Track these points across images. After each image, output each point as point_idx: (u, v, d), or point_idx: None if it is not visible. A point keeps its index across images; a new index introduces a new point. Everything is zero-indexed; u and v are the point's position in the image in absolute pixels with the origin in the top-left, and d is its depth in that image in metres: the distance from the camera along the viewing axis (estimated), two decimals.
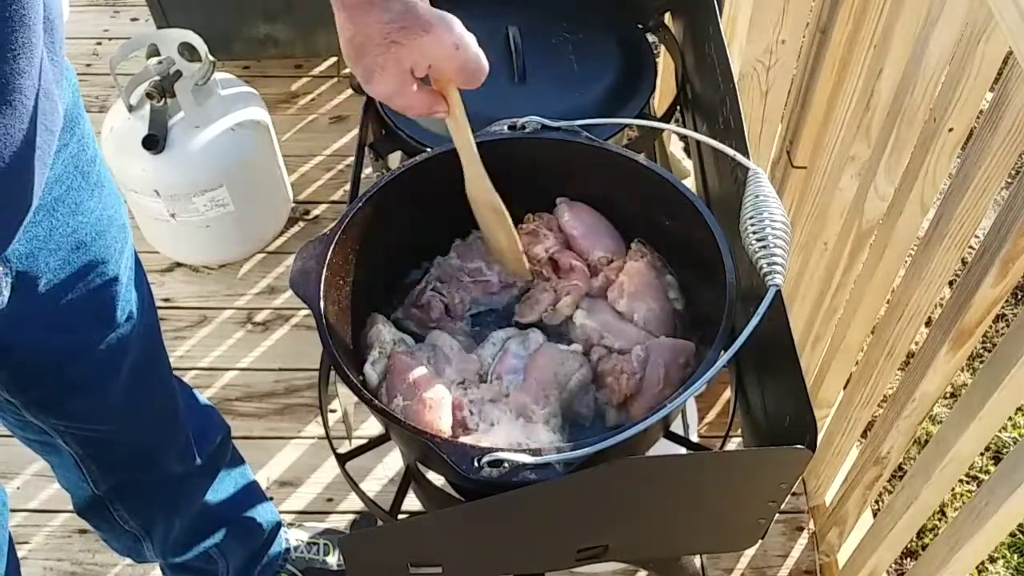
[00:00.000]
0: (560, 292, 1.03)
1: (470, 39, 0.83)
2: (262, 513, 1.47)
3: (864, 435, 1.47)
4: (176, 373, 1.24)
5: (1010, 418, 1.82)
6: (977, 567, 1.69)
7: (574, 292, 1.02)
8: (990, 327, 1.21)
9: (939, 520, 1.78)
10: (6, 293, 0.83)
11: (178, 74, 1.81)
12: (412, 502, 1.08)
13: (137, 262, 1.07)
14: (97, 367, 1.02)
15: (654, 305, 1.00)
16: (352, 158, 1.22)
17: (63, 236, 0.89)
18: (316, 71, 2.54)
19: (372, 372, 0.94)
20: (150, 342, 1.12)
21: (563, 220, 1.07)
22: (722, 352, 0.83)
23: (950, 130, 1.07)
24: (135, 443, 1.16)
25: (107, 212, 0.96)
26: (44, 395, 1.01)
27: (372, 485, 1.76)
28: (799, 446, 0.77)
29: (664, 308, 1.01)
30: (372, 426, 1.73)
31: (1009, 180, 1.67)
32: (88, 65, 2.58)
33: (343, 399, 1.22)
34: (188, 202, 1.91)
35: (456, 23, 0.82)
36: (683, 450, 1.04)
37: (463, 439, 0.89)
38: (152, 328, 1.12)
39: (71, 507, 1.28)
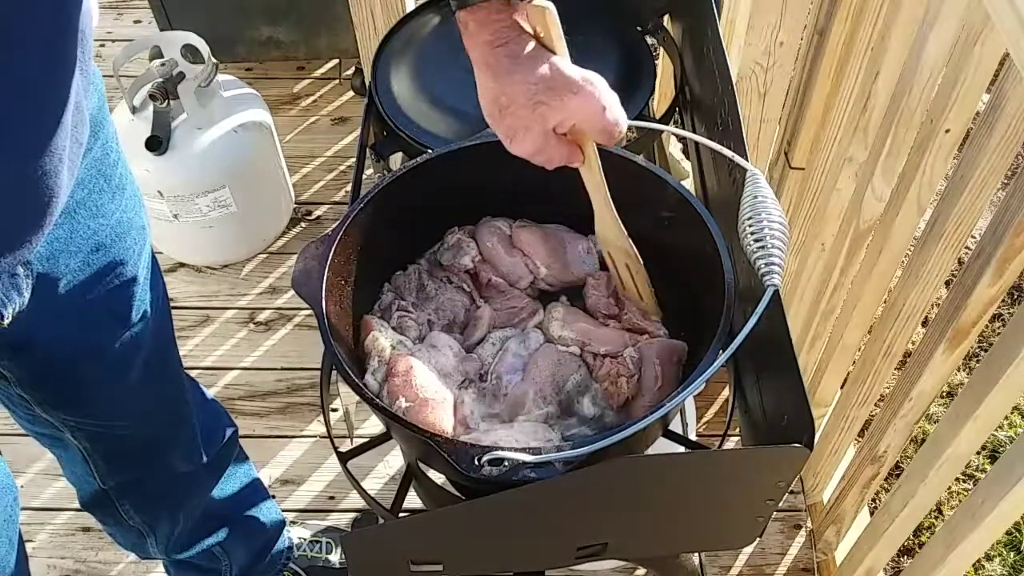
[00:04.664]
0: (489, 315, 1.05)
1: (614, 100, 0.81)
2: (266, 511, 1.48)
3: (861, 434, 1.48)
4: None
5: (1006, 417, 1.83)
6: (974, 565, 1.70)
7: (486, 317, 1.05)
8: (986, 327, 1.21)
9: (936, 518, 1.79)
10: (27, 295, 0.84)
11: (181, 76, 1.82)
12: (413, 500, 1.09)
13: (154, 261, 1.08)
14: (110, 365, 1.03)
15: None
16: (354, 159, 1.23)
17: (84, 238, 0.90)
18: (318, 73, 2.54)
19: (373, 381, 0.94)
20: (163, 341, 1.13)
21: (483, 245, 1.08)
22: (720, 351, 0.84)
23: (947, 131, 1.08)
24: (144, 440, 1.17)
25: (127, 215, 0.97)
26: (57, 392, 1.02)
27: (373, 483, 1.77)
28: (797, 445, 0.78)
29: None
30: (373, 425, 1.74)
31: (1005, 181, 1.68)
32: None
33: (345, 398, 1.23)
34: (191, 203, 1.92)
35: (602, 83, 0.80)
36: (682, 449, 1.05)
37: (464, 438, 0.90)
38: (165, 326, 1.13)
39: (75, 505, 1.29)
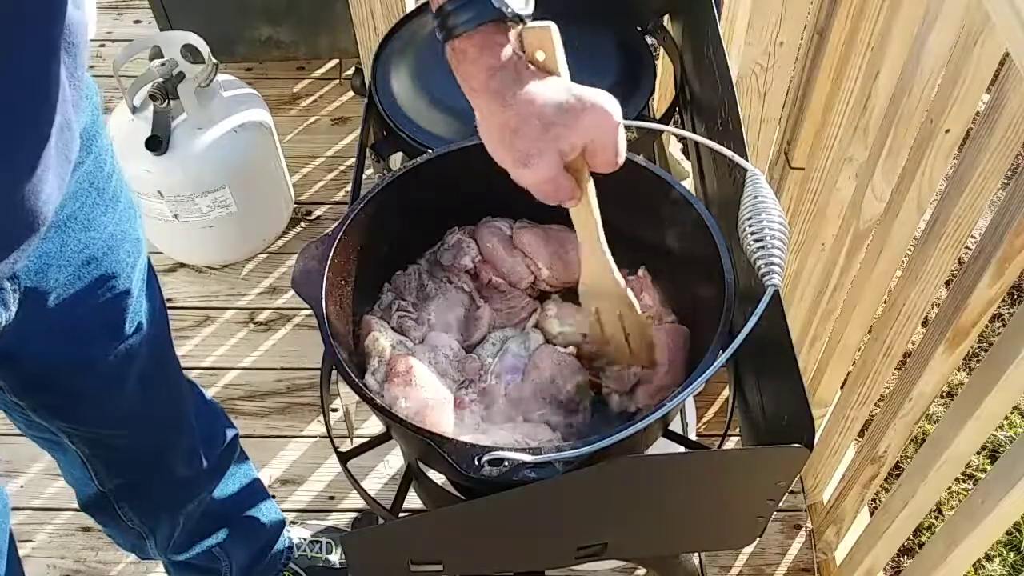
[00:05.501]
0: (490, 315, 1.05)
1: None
2: (265, 512, 1.48)
3: (861, 434, 1.48)
4: None
5: (1006, 417, 1.83)
6: (974, 565, 1.70)
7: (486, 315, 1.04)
8: (986, 327, 1.21)
9: (936, 518, 1.78)
10: (13, 309, 0.83)
11: (181, 76, 1.82)
12: (413, 500, 1.09)
13: (150, 272, 1.06)
14: (104, 377, 1.02)
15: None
16: (354, 159, 1.23)
17: (74, 252, 0.89)
18: (318, 73, 2.54)
19: (373, 381, 0.94)
20: (159, 350, 1.11)
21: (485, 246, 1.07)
22: (720, 351, 0.84)
23: (947, 131, 1.08)
24: (142, 447, 1.17)
25: (120, 227, 0.96)
26: (51, 401, 1.02)
27: (373, 483, 1.77)
28: (797, 445, 0.78)
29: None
30: (373, 425, 1.74)
31: (1005, 181, 1.68)
32: (91, 67, 2.57)
33: (345, 398, 1.23)
34: (191, 203, 1.92)
35: (614, 100, 0.77)
36: (682, 449, 1.05)
37: (464, 438, 0.90)
38: (162, 336, 1.12)
39: (74, 505, 1.28)
